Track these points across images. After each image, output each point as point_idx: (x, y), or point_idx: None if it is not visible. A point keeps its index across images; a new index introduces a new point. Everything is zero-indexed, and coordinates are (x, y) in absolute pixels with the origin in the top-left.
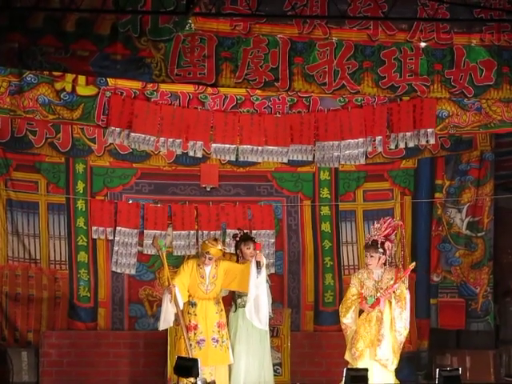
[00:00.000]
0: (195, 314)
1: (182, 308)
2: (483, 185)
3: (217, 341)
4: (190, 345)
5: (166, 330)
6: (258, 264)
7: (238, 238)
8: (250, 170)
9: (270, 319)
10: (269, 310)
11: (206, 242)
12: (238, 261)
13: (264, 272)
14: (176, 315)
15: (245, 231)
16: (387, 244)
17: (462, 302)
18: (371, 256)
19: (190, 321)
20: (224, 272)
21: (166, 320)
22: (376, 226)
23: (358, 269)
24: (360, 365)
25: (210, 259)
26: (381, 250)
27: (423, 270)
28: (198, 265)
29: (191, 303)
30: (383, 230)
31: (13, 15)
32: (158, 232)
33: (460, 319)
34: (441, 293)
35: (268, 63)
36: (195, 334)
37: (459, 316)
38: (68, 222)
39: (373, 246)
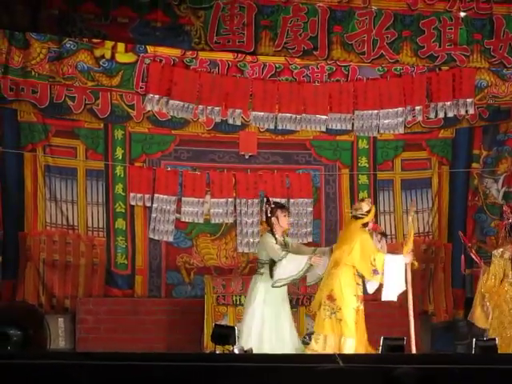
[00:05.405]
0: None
1: None
2: None
3: None
4: None
5: (203, 298)
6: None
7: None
8: (289, 138)
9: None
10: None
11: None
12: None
13: None
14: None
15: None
16: None
17: None
18: None
19: None
20: None
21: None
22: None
23: (396, 238)
24: None
25: None
26: None
27: (459, 241)
28: None
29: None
30: None
31: None
32: (196, 200)
33: None
34: (475, 263)
35: (307, 32)
36: None
37: None
38: (106, 189)
39: None
